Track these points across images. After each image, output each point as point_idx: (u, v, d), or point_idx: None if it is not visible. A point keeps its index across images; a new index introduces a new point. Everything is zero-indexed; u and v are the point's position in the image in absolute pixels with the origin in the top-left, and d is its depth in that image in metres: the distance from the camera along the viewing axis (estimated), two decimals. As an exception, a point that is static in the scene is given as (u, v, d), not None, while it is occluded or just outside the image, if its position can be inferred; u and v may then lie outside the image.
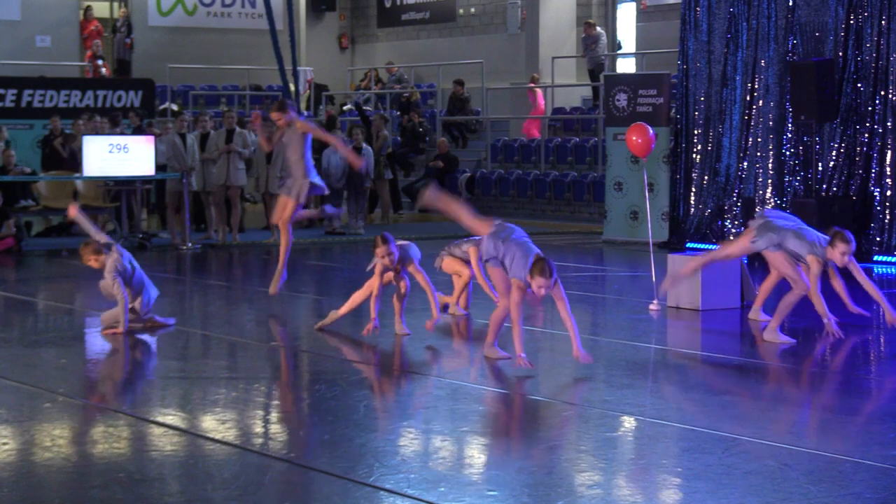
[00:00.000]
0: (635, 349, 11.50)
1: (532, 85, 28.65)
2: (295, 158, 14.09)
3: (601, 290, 16.49)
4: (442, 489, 7.11)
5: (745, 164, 19.78)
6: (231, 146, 20.92)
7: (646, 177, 16.27)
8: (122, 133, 21.54)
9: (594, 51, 28.62)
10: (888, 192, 18.34)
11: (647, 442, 8.28)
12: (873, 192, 18.50)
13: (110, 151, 19.89)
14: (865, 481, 7.12)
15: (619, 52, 30.45)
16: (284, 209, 14.21)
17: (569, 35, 30.16)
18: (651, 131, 14.89)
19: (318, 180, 14.24)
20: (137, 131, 21.86)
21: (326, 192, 14.92)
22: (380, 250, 11.51)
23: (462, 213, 11.01)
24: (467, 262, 12.94)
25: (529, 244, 10.43)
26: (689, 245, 19.85)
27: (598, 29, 28.88)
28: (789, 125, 19.35)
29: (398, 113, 30.39)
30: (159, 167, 20.60)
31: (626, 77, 23.48)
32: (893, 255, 18.09)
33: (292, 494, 7.09)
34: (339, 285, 17.07)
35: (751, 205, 19.59)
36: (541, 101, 28.65)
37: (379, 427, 8.52)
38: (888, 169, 18.35)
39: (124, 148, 19.96)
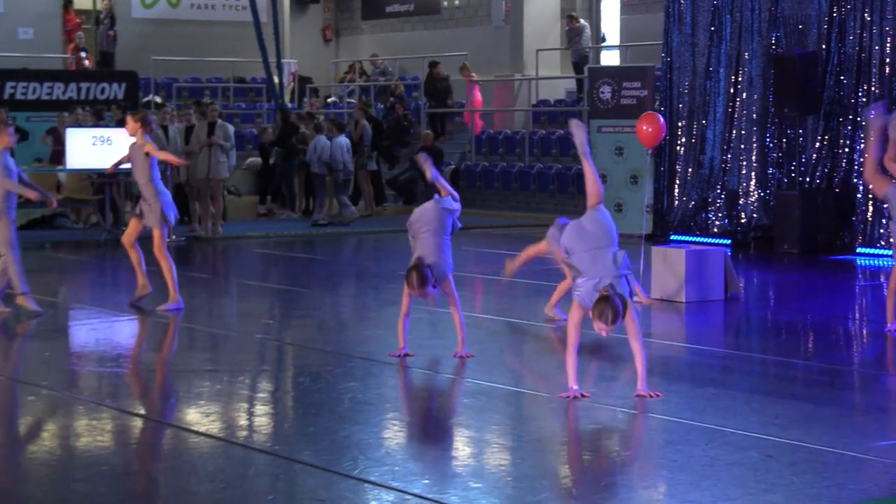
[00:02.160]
0: (619, 341, 11.51)
1: (472, 76, 28.54)
2: (143, 182, 13.22)
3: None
4: (426, 482, 7.11)
5: (729, 156, 19.81)
6: (212, 139, 20.86)
7: (648, 162, 16.29)
8: (105, 126, 21.48)
9: (578, 43, 28.61)
10: (870, 185, 18.38)
11: (631, 434, 8.29)
12: (856, 184, 18.55)
13: (94, 144, 19.83)
14: (848, 472, 7.14)
15: (603, 44, 30.43)
16: (133, 232, 13.55)
17: (553, 27, 30.14)
18: (662, 121, 14.91)
19: (169, 209, 13.31)
20: (120, 124, 21.76)
21: (174, 220, 13.66)
22: (414, 293, 10.10)
23: (541, 248, 11.05)
24: None
25: (601, 254, 9.12)
26: (673, 237, 19.87)
27: (582, 21, 28.87)
28: (773, 118, 19.39)
29: (382, 106, 30.36)
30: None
31: (610, 70, 23.48)
32: (876, 247, 18.14)
33: (276, 487, 7.09)
34: (323, 278, 17.07)
35: (734, 197, 19.64)
36: (477, 96, 28.58)
37: (363, 419, 8.52)
38: (871, 161, 18.38)
39: (108, 140, 19.89)
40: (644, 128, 14.69)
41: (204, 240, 20.49)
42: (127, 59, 30.80)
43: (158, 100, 29.68)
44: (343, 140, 23.79)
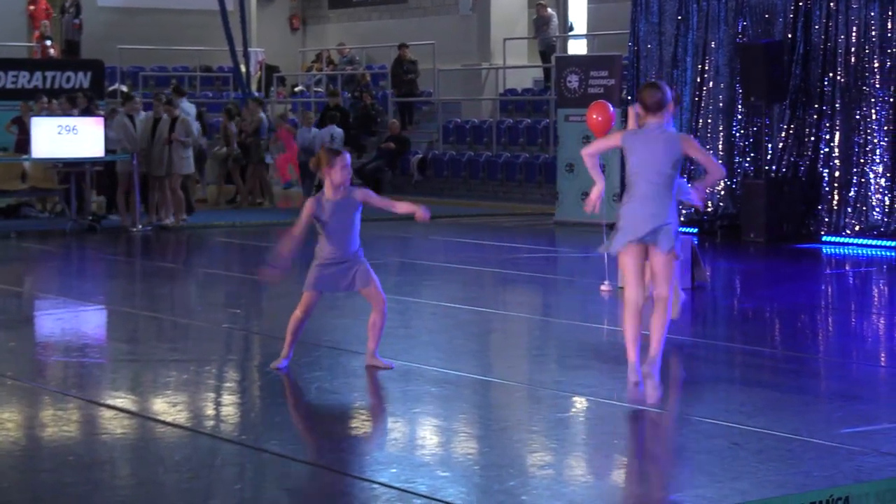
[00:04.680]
0: (587, 330, 11.54)
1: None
2: None
3: (553, 271, 16.53)
4: (394, 470, 7.11)
5: (696, 145, 19.86)
6: (173, 136, 20.66)
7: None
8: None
9: (546, 32, 28.63)
10: (836, 173, 18.48)
11: (599, 422, 8.31)
12: (822, 172, 18.63)
13: (59, 133, 19.70)
14: (814, 460, 7.18)
15: (570, 33, 30.47)
16: None
17: (520, 16, 30.16)
18: (612, 109, 14.93)
19: None
20: (85, 112, 21.65)
21: None
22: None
23: None
24: None
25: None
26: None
27: (550, 10, 28.89)
28: (739, 107, 19.46)
29: (349, 94, 30.31)
30: (107, 150, 20.43)
31: (577, 58, 23.50)
32: (841, 236, 18.23)
33: (244, 476, 7.07)
34: (289, 267, 17.03)
35: (701, 186, 19.68)
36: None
37: (330, 409, 8.51)
38: (836, 150, 18.49)
39: (73, 129, 19.76)
40: (594, 116, 14.69)
41: (170, 229, 20.41)
42: (93, 48, 30.64)
43: (125, 89, 29.54)
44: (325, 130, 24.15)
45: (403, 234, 19.63)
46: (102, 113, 21.48)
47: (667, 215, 8.42)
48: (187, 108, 23.29)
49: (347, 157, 9.42)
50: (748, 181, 19.03)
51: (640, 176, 8.47)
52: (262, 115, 24.96)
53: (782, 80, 18.68)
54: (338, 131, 24.70)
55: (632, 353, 8.49)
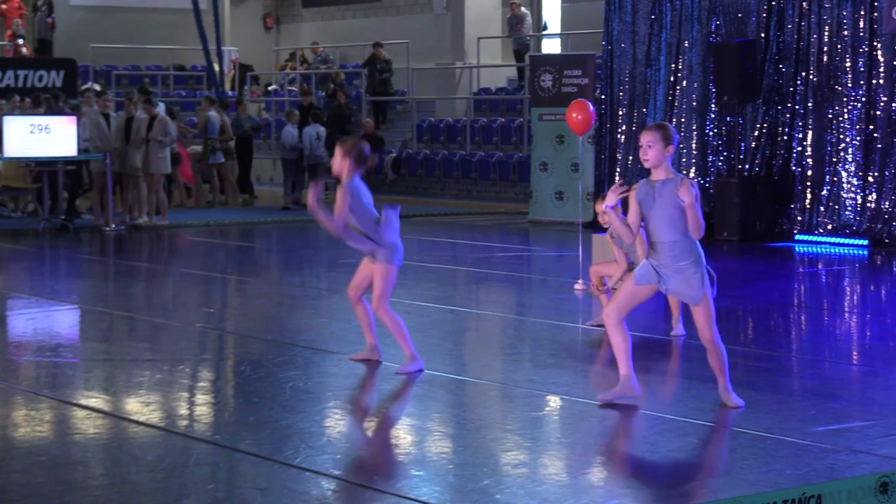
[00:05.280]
0: (560, 329, 11.55)
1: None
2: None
3: (527, 269, 16.55)
4: (368, 470, 7.10)
5: (669, 144, 19.91)
6: (150, 135, 20.59)
7: (580, 152, 16.34)
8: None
9: (519, 31, 28.66)
10: (809, 172, 18.55)
11: (572, 421, 8.32)
12: (795, 171, 18.71)
13: (31, 132, 19.62)
14: (787, 458, 7.20)
15: (544, 32, 30.50)
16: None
17: (494, 15, 30.17)
18: (591, 108, 14.95)
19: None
20: (54, 111, 21.47)
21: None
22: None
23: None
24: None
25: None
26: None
27: (524, 9, 28.91)
28: (712, 105, 19.52)
29: (323, 93, 30.26)
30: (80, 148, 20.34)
31: (551, 58, 23.53)
32: (814, 234, 18.31)
33: (217, 476, 7.06)
34: (264, 267, 17.03)
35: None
36: None
37: (304, 408, 8.50)
38: (809, 149, 18.57)
39: (46, 128, 19.68)
40: (574, 115, 14.71)
41: (144, 228, 20.35)
42: (65, 47, 30.52)
43: (98, 87, 29.44)
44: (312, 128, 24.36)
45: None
46: (69, 109, 21.35)
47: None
48: (163, 111, 23.20)
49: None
50: (721, 180, 19.09)
51: None
52: (211, 114, 24.74)
53: (755, 80, 18.75)
54: (322, 129, 24.68)
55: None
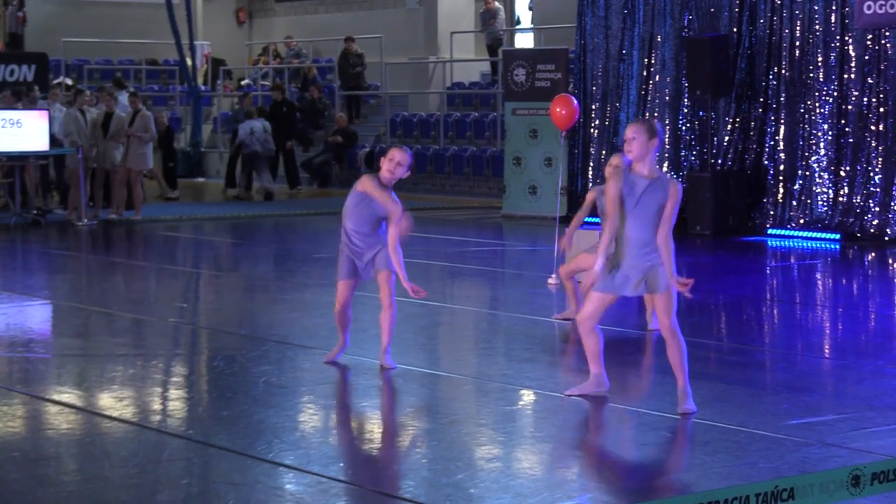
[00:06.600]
0: (534, 323, 11.56)
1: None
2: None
3: (500, 264, 16.56)
4: (341, 464, 7.10)
5: (642, 138, 19.95)
6: (131, 130, 20.51)
7: (562, 147, 16.36)
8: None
9: (493, 26, 28.67)
10: (781, 167, 18.62)
11: (546, 415, 8.33)
12: (767, 166, 18.78)
13: (3, 126, 19.51)
14: (760, 451, 7.23)
15: (517, 27, 30.52)
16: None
17: (467, 10, 30.17)
18: (575, 103, 14.97)
19: None
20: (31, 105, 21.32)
21: None
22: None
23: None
24: None
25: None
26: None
27: (497, 4, 28.93)
28: (685, 100, 19.57)
29: (296, 88, 30.21)
30: (54, 142, 20.23)
31: (524, 52, 23.55)
32: (786, 229, 18.37)
33: (191, 471, 7.04)
34: (237, 261, 16.98)
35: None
36: None
37: (278, 403, 8.49)
38: (781, 143, 18.64)
39: (17, 123, 19.58)
40: (558, 110, 14.74)
41: (117, 223, 20.28)
42: (37, 41, 30.36)
43: (69, 82, 29.32)
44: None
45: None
46: (41, 102, 21.25)
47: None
48: (126, 101, 23.07)
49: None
50: (694, 174, 19.14)
51: None
52: (147, 111, 24.55)
53: (728, 74, 18.80)
54: (257, 124, 24.84)
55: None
